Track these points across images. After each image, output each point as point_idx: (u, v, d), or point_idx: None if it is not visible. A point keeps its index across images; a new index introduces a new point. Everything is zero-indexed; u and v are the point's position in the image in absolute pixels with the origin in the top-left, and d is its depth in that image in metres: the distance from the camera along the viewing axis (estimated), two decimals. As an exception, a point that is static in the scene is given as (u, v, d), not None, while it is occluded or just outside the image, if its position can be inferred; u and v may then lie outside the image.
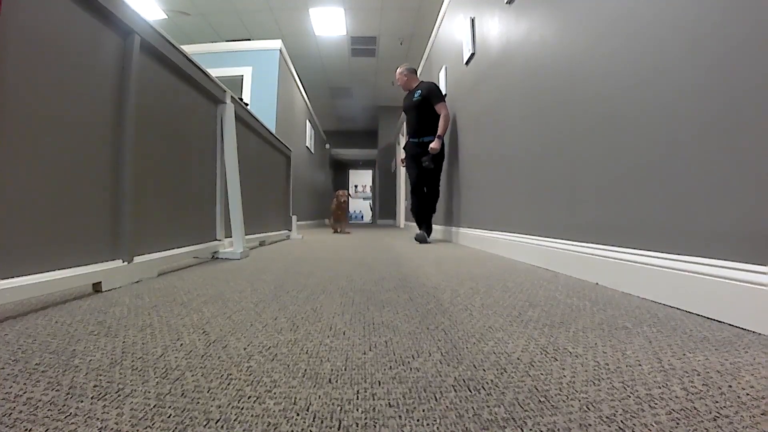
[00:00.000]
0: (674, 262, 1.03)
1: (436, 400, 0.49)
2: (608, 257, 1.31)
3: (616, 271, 1.26)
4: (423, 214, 3.44)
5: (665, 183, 1.08)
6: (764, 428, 0.42)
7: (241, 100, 2.75)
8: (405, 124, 3.70)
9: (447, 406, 0.48)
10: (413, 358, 0.64)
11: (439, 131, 3.23)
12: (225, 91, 2.23)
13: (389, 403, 0.48)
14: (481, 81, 2.90)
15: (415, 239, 3.39)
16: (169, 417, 0.44)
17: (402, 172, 8.00)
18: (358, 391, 0.51)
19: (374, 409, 0.47)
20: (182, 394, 0.50)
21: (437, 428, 0.43)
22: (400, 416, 0.45)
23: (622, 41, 1.28)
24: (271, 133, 3.35)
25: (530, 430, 0.42)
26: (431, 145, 3.20)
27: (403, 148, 3.61)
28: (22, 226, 0.92)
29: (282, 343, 0.70)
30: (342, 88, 8.95)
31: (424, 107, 3.37)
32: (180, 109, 1.77)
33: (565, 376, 0.57)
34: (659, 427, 0.43)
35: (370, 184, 15.11)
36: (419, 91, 3.41)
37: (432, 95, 3.34)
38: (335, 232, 5.47)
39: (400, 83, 3.66)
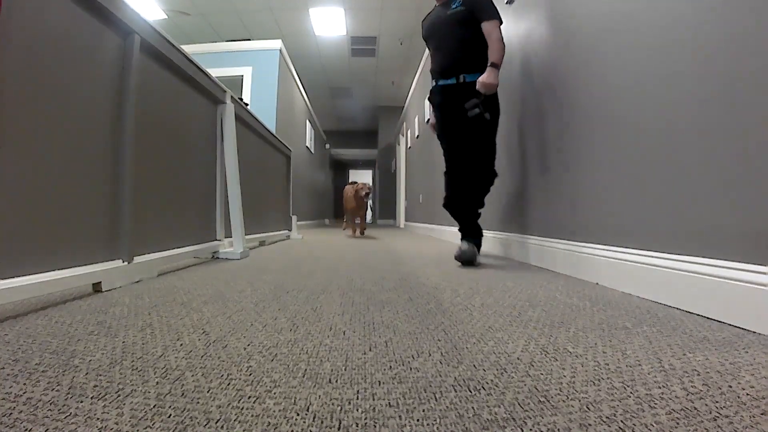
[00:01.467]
0: (674, 262, 1.03)
1: (436, 400, 0.49)
2: (608, 257, 1.31)
3: (616, 271, 1.26)
4: (467, 209, 2.00)
5: (665, 183, 1.08)
6: (764, 428, 0.42)
7: (241, 100, 2.75)
8: (431, 57, 2.15)
9: (447, 406, 0.47)
10: (413, 358, 0.64)
11: (494, 58, 1.86)
12: (225, 91, 2.23)
13: (389, 403, 0.48)
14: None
15: (459, 258, 1.87)
16: (169, 417, 0.44)
17: (402, 172, 7.96)
18: (358, 391, 0.51)
19: (374, 409, 0.47)
20: (182, 394, 0.50)
21: (437, 428, 0.43)
22: (400, 416, 0.45)
23: (621, 41, 1.28)
24: (271, 133, 3.35)
25: (530, 430, 0.42)
26: (482, 78, 1.79)
27: (428, 100, 2.23)
28: (22, 226, 0.92)
29: (282, 343, 0.70)
30: (342, 88, 8.95)
31: (466, 26, 1.98)
32: (180, 109, 1.77)
33: (565, 376, 0.57)
34: (659, 427, 0.43)
35: (370, 184, 15.09)
36: (458, 1, 2.02)
37: (480, 6, 1.95)
38: (352, 233, 4.56)
39: None
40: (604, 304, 1.03)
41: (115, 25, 1.26)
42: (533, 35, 2.02)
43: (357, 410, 0.47)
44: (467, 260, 1.86)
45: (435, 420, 0.44)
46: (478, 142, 1.92)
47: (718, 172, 0.92)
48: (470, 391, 0.51)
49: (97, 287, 1.13)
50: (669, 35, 1.08)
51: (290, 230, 4.07)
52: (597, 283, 1.35)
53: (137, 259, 1.33)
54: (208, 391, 0.50)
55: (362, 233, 4.48)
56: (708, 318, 0.90)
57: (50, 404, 0.46)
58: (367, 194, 4.11)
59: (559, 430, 0.42)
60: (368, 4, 5.56)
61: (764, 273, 0.79)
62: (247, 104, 3.57)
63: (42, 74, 0.98)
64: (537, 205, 1.94)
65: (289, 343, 0.70)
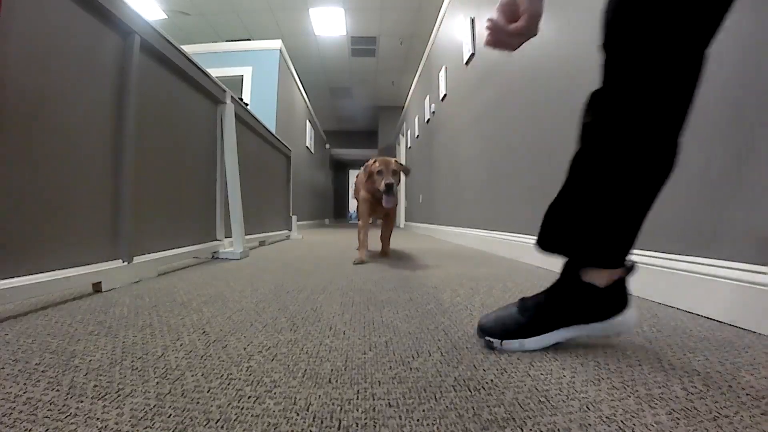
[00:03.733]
0: (674, 262, 1.03)
1: (436, 400, 0.49)
2: (608, 257, 1.31)
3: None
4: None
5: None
6: (764, 428, 0.42)
7: (241, 100, 2.75)
8: None
9: (447, 406, 0.47)
10: (413, 358, 0.64)
11: None
12: (225, 91, 2.23)
13: (389, 403, 0.48)
14: (481, 81, 2.90)
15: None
16: (169, 417, 0.44)
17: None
18: (358, 391, 0.51)
19: (374, 409, 0.47)
20: (182, 394, 0.50)
21: (437, 428, 0.43)
22: (400, 416, 0.45)
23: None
24: (271, 133, 3.35)
25: (530, 430, 0.42)
26: None
27: None
28: (22, 226, 0.92)
29: (282, 343, 0.70)
30: (342, 88, 8.95)
31: None
32: (180, 109, 1.77)
33: (565, 376, 0.57)
34: (659, 427, 0.43)
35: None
36: None
37: None
38: (361, 253, 1.97)
39: None
40: (604, 304, 1.03)
41: (115, 25, 1.26)
42: None
43: (357, 410, 0.47)
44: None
45: (435, 420, 0.44)
46: None
47: (717, 173, 0.92)
48: (470, 391, 0.51)
49: (97, 287, 1.13)
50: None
51: (290, 230, 4.07)
52: (597, 283, 1.35)
53: (137, 259, 1.33)
54: (208, 391, 0.50)
55: (385, 252, 2.23)
56: (708, 318, 0.90)
57: (50, 404, 0.46)
58: (388, 186, 1.85)
59: (559, 430, 0.42)
60: (368, 4, 5.55)
61: (764, 273, 0.79)
62: (247, 104, 3.57)
63: (42, 74, 0.98)
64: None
65: (289, 343, 0.70)
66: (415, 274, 1.57)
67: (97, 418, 0.43)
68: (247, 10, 5.78)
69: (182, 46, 1.72)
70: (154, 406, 0.46)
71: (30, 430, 0.40)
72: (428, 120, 5.14)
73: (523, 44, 0.67)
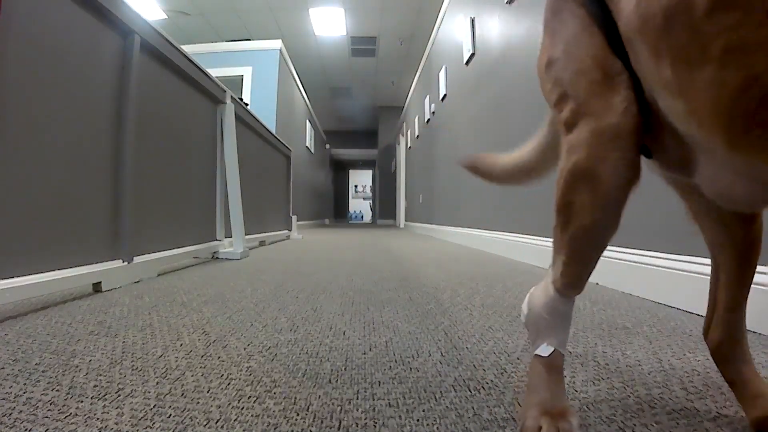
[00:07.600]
0: (674, 262, 1.03)
1: (436, 400, 0.49)
2: (608, 257, 1.31)
3: (616, 271, 1.26)
4: None
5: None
6: (764, 428, 0.42)
7: (241, 100, 2.75)
8: None
9: (447, 406, 0.47)
10: (413, 358, 0.64)
11: None
12: (225, 91, 2.23)
13: (389, 403, 0.48)
14: (481, 81, 2.90)
15: None
16: (169, 417, 0.44)
17: (403, 172, 7.95)
18: (358, 391, 0.51)
19: (374, 409, 0.47)
20: (182, 394, 0.50)
21: (437, 428, 0.43)
22: (400, 416, 0.45)
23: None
24: (271, 133, 3.35)
25: (530, 430, 0.42)
26: None
27: None
28: (22, 226, 0.92)
29: (282, 343, 0.70)
30: (342, 88, 8.95)
31: None
32: (180, 109, 1.77)
33: (565, 376, 0.56)
34: (659, 427, 0.43)
35: (370, 184, 15.11)
36: None
37: None
38: None
39: None
40: (604, 304, 1.03)
41: (115, 25, 1.26)
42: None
43: (357, 410, 0.47)
44: None
45: (435, 420, 0.44)
46: None
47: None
48: (470, 391, 0.51)
49: (97, 287, 1.13)
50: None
51: (290, 230, 4.07)
52: (597, 283, 1.35)
53: (137, 259, 1.33)
54: (208, 391, 0.50)
55: None
56: (708, 318, 0.90)
57: (50, 404, 0.46)
58: None
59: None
60: (368, 4, 5.55)
61: (764, 273, 0.79)
62: (247, 104, 3.57)
63: (42, 74, 0.98)
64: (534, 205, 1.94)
65: (289, 343, 0.70)
66: (415, 274, 1.57)
67: (97, 418, 0.43)
68: (247, 10, 5.78)
69: (182, 46, 1.72)
70: (154, 406, 0.46)
71: (30, 430, 0.40)
72: (428, 120, 5.14)
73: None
